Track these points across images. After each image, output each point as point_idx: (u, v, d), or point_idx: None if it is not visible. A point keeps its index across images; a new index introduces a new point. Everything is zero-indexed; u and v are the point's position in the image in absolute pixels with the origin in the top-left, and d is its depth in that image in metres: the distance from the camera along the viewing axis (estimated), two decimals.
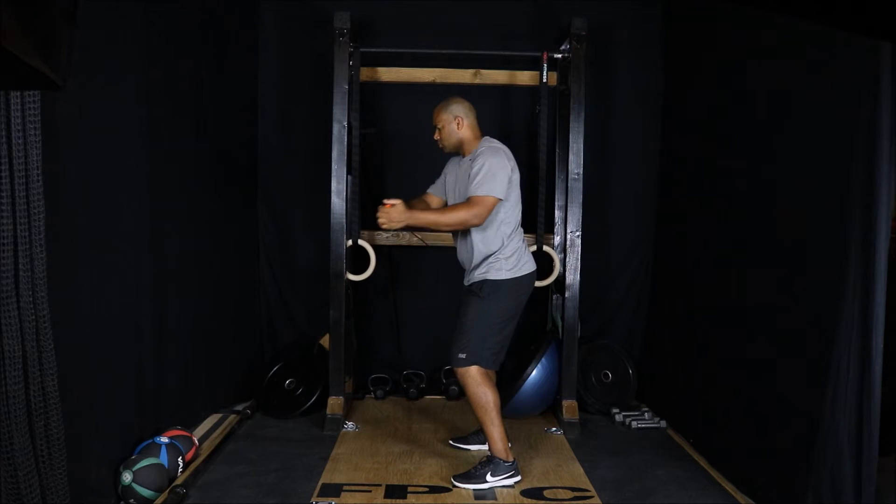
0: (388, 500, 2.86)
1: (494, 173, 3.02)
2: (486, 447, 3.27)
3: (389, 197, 3.07)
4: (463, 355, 3.07)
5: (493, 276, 3.10)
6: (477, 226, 3.07)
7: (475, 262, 3.15)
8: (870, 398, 2.38)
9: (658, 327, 4.29)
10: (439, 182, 3.45)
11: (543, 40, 4.15)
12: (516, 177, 3.14)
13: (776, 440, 2.78)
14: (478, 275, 3.14)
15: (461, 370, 3.08)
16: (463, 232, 3.17)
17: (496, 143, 3.19)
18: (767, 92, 2.99)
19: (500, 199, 3.04)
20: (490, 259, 3.11)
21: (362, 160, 4.11)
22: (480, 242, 3.13)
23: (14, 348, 2.07)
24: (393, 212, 3.01)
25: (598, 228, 4.38)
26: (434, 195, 3.46)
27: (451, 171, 3.35)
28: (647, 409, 4.10)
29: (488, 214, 3.04)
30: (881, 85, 2.28)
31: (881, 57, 2.28)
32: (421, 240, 4.01)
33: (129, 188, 2.92)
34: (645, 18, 4.38)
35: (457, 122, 3.22)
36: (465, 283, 3.24)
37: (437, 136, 3.29)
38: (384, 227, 3.04)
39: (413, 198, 3.48)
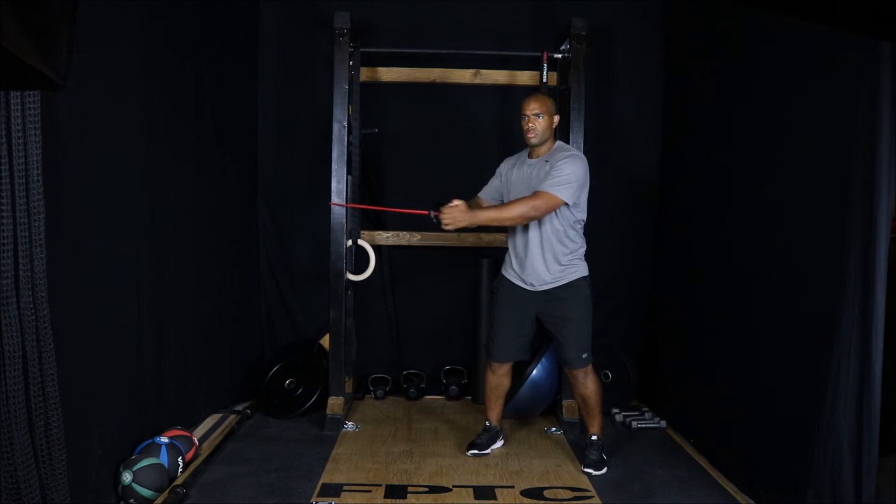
0: (388, 500, 2.86)
1: (571, 181, 3.06)
2: (499, 445, 3.47)
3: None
4: (585, 355, 3.24)
5: (580, 273, 3.22)
6: (535, 218, 3.09)
7: (557, 263, 3.17)
8: (870, 398, 2.38)
9: (658, 327, 4.29)
10: (493, 186, 3.39)
11: (543, 40, 4.15)
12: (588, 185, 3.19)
13: (776, 440, 2.78)
14: (562, 276, 3.18)
15: (586, 368, 3.26)
16: (540, 238, 3.16)
17: (576, 150, 3.29)
18: (767, 91, 2.99)
19: (565, 203, 3.07)
20: (570, 257, 3.19)
21: (362, 160, 4.11)
22: (560, 243, 3.16)
23: (14, 348, 2.07)
24: (455, 211, 3.02)
25: (599, 228, 4.38)
26: (485, 199, 3.41)
27: (518, 175, 3.28)
28: (647, 409, 4.10)
29: (548, 211, 3.07)
30: (881, 85, 2.28)
31: (881, 57, 2.28)
32: (424, 238, 4.01)
33: (129, 188, 2.92)
34: (645, 18, 4.38)
35: (555, 120, 3.25)
36: (537, 287, 3.22)
37: (531, 124, 3.18)
38: (449, 227, 3.04)
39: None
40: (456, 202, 3.04)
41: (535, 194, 3.06)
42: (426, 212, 3.12)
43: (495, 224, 3.23)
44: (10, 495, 2.07)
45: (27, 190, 2.08)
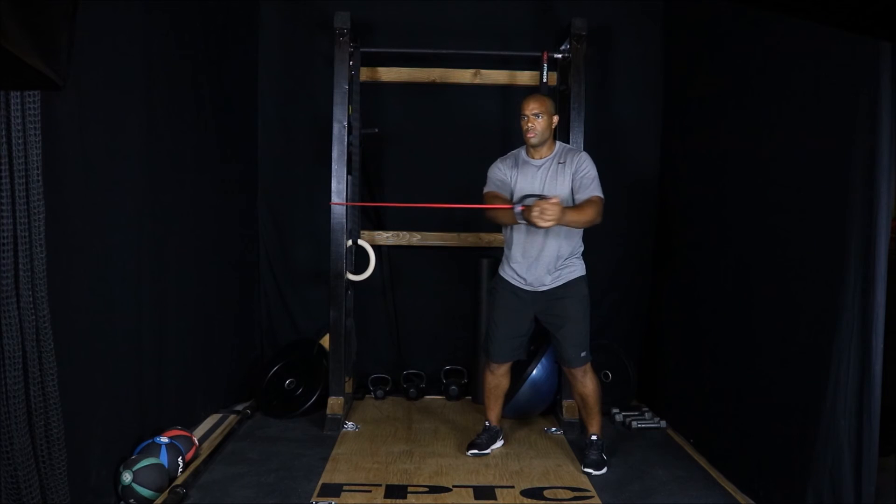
0: (388, 500, 2.86)
1: (598, 181, 3.19)
2: (499, 445, 3.49)
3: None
4: (584, 353, 3.26)
5: (578, 272, 3.26)
6: (597, 223, 3.17)
7: (559, 262, 3.21)
8: (870, 398, 2.38)
9: (658, 327, 4.30)
10: (505, 187, 3.26)
11: (543, 40, 4.15)
12: None
13: (776, 440, 2.78)
14: (561, 276, 3.22)
15: (586, 366, 3.28)
16: (552, 242, 3.18)
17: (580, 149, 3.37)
18: (767, 91, 2.99)
19: None
20: (570, 257, 3.23)
21: (362, 160, 4.11)
22: (566, 243, 3.21)
23: (14, 348, 2.07)
24: (557, 208, 2.89)
25: (599, 228, 4.38)
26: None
27: (523, 175, 3.23)
28: (647, 409, 4.10)
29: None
30: (881, 85, 2.28)
31: (881, 57, 2.28)
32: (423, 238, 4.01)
33: (129, 188, 2.92)
34: (645, 18, 4.38)
35: (554, 120, 3.26)
36: (538, 288, 3.23)
37: (531, 124, 3.18)
38: (546, 224, 2.90)
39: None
40: (555, 198, 2.94)
41: (592, 199, 3.12)
42: (510, 205, 3.06)
43: (571, 225, 3.13)
44: (10, 495, 2.08)
45: (27, 190, 2.09)
